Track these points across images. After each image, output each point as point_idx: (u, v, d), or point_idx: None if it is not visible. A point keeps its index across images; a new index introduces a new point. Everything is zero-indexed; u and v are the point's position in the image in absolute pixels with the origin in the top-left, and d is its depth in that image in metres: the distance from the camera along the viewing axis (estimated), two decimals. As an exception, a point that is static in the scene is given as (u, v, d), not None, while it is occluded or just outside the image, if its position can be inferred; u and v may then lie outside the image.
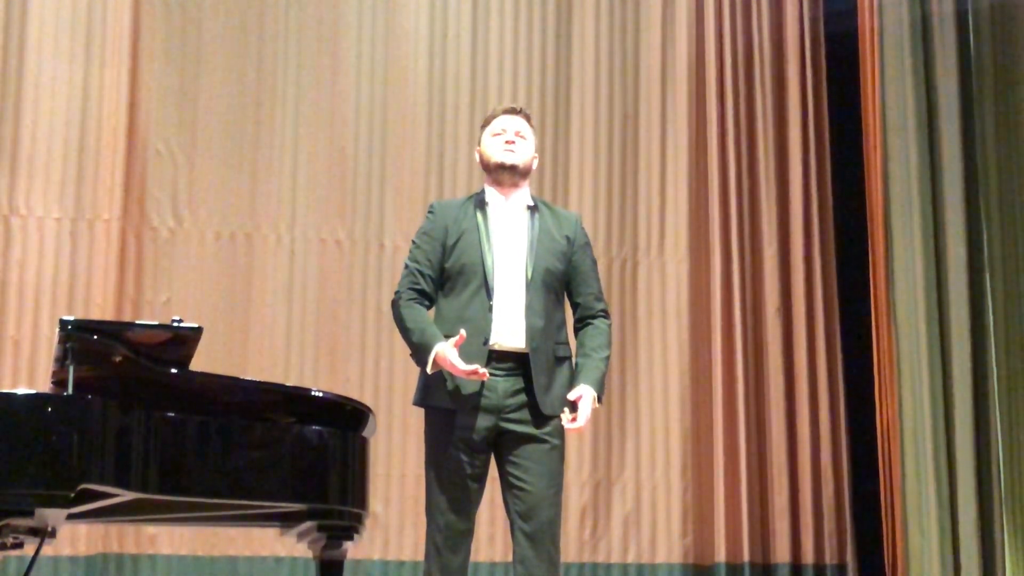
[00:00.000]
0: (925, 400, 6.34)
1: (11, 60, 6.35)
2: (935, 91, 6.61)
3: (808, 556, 6.63)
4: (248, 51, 6.64)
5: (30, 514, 3.24)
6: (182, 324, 3.59)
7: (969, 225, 6.46)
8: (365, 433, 3.90)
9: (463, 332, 3.61)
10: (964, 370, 6.32)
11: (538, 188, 6.81)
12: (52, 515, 3.38)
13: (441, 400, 3.69)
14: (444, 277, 3.81)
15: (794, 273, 6.91)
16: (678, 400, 6.77)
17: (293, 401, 3.88)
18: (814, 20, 7.20)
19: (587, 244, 3.94)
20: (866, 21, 6.83)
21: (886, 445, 6.55)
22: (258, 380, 4.15)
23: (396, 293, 3.83)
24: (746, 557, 6.57)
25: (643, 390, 6.78)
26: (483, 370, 3.59)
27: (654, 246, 6.92)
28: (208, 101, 6.56)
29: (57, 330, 3.48)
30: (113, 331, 3.59)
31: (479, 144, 3.98)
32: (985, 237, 6.41)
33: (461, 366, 3.58)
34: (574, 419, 3.67)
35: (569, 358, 3.81)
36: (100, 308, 6.19)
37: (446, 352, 3.61)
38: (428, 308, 3.82)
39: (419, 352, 3.71)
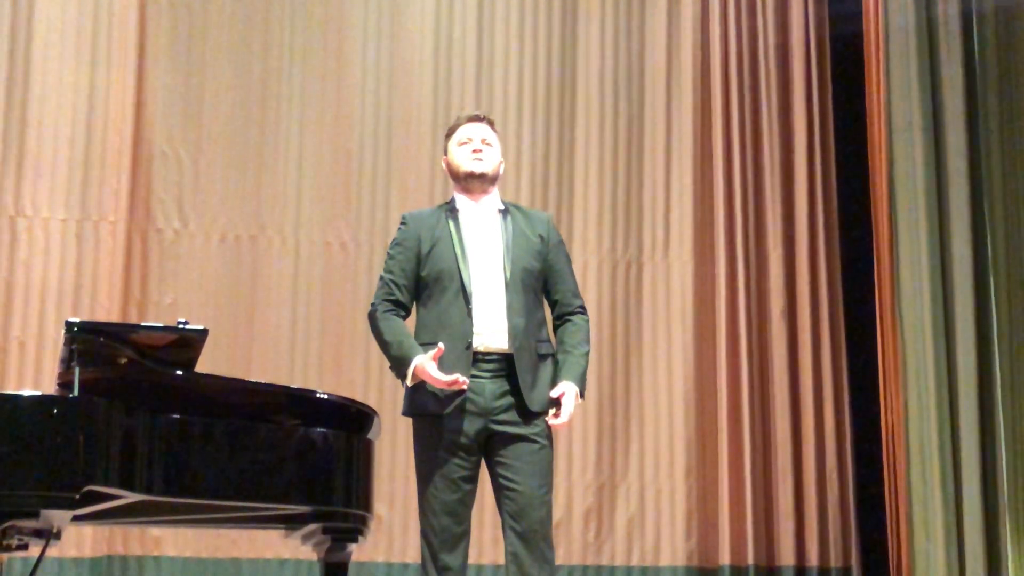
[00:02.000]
0: (930, 402, 6.33)
1: (18, 62, 6.36)
2: (940, 93, 6.60)
3: (813, 559, 6.62)
4: (253, 54, 6.65)
5: (35, 515, 3.25)
6: (187, 326, 3.60)
7: (974, 227, 6.45)
8: (370, 435, 3.91)
9: (441, 345, 3.63)
10: (969, 372, 6.30)
11: (543, 190, 6.82)
12: (57, 517, 3.39)
13: (429, 407, 3.69)
14: (421, 286, 3.83)
15: (799, 275, 6.90)
16: (682, 402, 6.77)
17: (298, 403, 3.89)
18: (819, 23, 7.19)
19: (560, 242, 3.97)
20: (871, 24, 6.82)
21: (891, 447, 6.54)
22: (263, 382, 4.16)
23: (372, 305, 3.85)
24: (750, 560, 6.56)
25: (647, 392, 6.78)
26: (463, 379, 3.61)
27: (659, 248, 6.92)
28: (213, 103, 6.57)
29: (63, 332, 3.49)
30: (118, 333, 3.60)
31: (445, 153, 3.99)
32: (990, 239, 6.40)
33: (441, 377, 3.61)
34: (557, 415, 3.71)
35: (551, 355, 3.83)
36: (105, 310, 6.20)
37: (425, 364, 3.63)
38: (404, 318, 3.83)
39: (398, 365, 3.73)
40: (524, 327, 3.74)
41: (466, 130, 3.94)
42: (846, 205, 7.08)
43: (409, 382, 3.70)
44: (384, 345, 3.78)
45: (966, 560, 6.18)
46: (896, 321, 6.49)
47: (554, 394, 3.72)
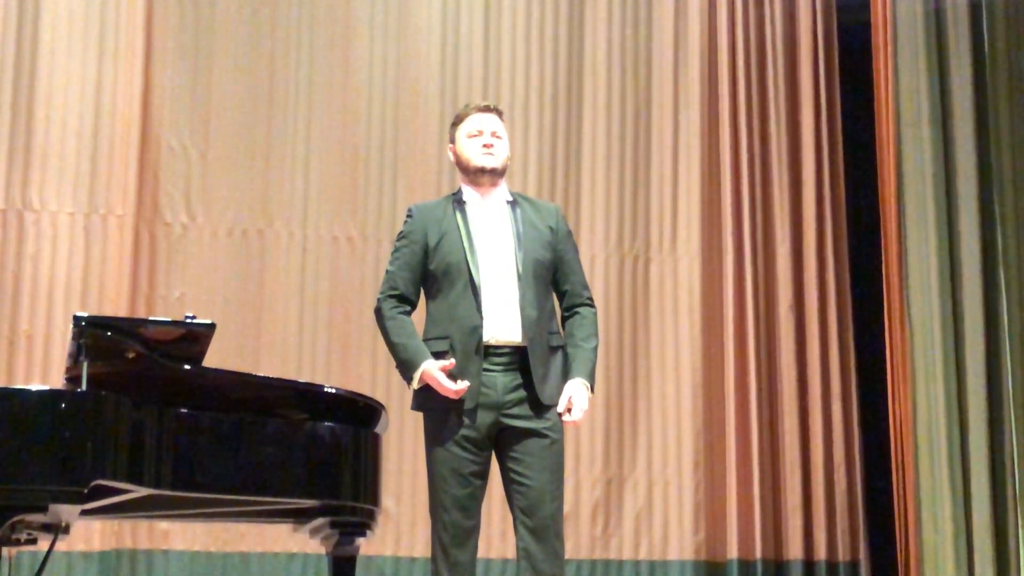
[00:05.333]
0: (939, 396, 6.32)
1: (25, 56, 6.36)
2: (949, 85, 6.58)
3: (821, 553, 6.62)
4: (261, 48, 6.65)
5: (43, 510, 3.25)
6: (195, 320, 3.60)
7: (983, 220, 6.43)
8: (377, 429, 3.91)
9: (453, 360, 3.64)
10: (978, 366, 6.29)
11: (550, 184, 6.82)
12: (66, 511, 3.40)
13: (440, 401, 3.68)
14: (430, 279, 3.82)
15: (807, 270, 6.89)
16: (690, 397, 6.77)
17: (306, 397, 3.89)
18: (827, 14, 7.17)
19: (569, 233, 3.96)
20: (879, 15, 6.80)
21: (899, 441, 6.53)
22: (271, 376, 4.17)
23: (377, 300, 3.85)
24: (758, 554, 6.56)
25: (655, 387, 6.78)
26: (465, 386, 3.63)
27: (666, 243, 6.92)
28: (221, 97, 6.57)
29: (71, 326, 3.49)
30: (126, 327, 3.60)
31: (452, 142, 3.97)
32: (999, 232, 6.38)
33: (450, 387, 3.62)
34: (569, 411, 3.71)
35: (562, 347, 3.83)
36: (113, 304, 6.20)
37: (434, 372, 3.64)
38: (410, 313, 3.82)
39: (405, 368, 3.73)
40: (536, 319, 3.73)
41: (476, 121, 3.91)
42: (854, 199, 7.06)
43: (415, 385, 3.70)
44: (391, 346, 3.77)
45: (974, 554, 6.17)
46: (904, 316, 6.48)
47: (563, 397, 3.72)
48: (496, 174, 3.89)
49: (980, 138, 6.49)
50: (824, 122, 7.06)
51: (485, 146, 3.87)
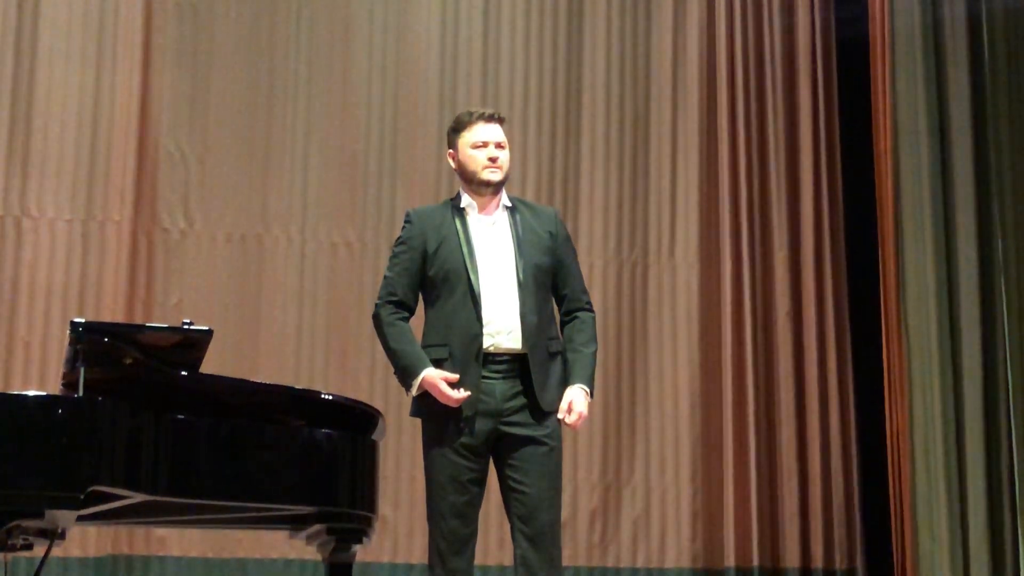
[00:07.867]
0: (935, 404, 6.32)
1: (23, 62, 6.37)
2: (946, 95, 6.58)
3: (818, 561, 6.62)
4: (259, 53, 6.65)
5: (40, 515, 3.25)
6: (192, 326, 3.60)
7: (981, 229, 6.43)
8: (374, 436, 3.91)
9: (457, 375, 3.64)
10: (975, 373, 6.30)
11: (548, 190, 6.82)
12: (62, 517, 3.39)
13: (439, 408, 3.67)
14: (428, 286, 3.81)
15: (804, 277, 6.90)
16: (688, 404, 6.76)
17: (303, 404, 3.89)
18: (825, 26, 7.18)
19: (568, 237, 3.96)
20: (877, 27, 6.81)
21: (896, 449, 6.54)
22: (268, 383, 4.16)
23: (376, 305, 3.83)
24: (755, 561, 6.55)
25: (653, 394, 6.77)
26: (467, 393, 3.63)
27: (665, 250, 6.92)
28: (219, 103, 6.58)
29: (68, 332, 3.49)
30: (123, 333, 3.60)
31: (453, 148, 3.92)
32: (997, 242, 6.38)
33: (452, 395, 3.61)
34: (570, 412, 3.71)
35: (561, 352, 3.82)
36: (111, 310, 6.20)
37: (436, 381, 3.64)
38: (408, 319, 3.81)
39: (404, 375, 3.72)
40: (537, 325, 3.73)
41: (481, 132, 3.87)
42: (852, 207, 7.06)
43: (414, 392, 3.70)
44: (390, 352, 3.76)
45: (971, 562, 6.17)
46: (902, 324, 6.48)
47: (563, 402, 3.72)
48: (500, 186, 3.88)
49: (978, 148, 6.50)
50: (822, 131, 7.06)
51: (491, 159, 3.84)
